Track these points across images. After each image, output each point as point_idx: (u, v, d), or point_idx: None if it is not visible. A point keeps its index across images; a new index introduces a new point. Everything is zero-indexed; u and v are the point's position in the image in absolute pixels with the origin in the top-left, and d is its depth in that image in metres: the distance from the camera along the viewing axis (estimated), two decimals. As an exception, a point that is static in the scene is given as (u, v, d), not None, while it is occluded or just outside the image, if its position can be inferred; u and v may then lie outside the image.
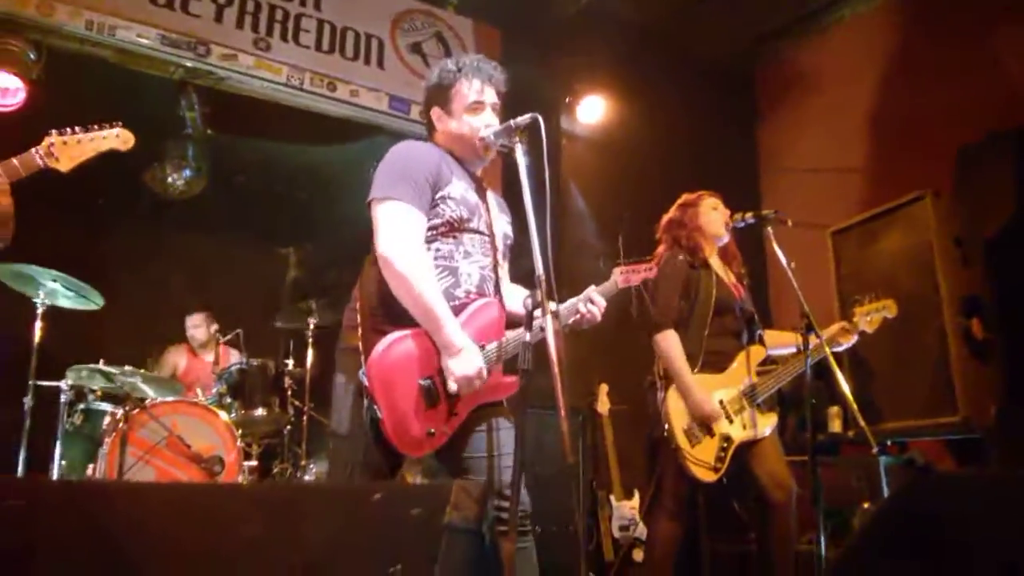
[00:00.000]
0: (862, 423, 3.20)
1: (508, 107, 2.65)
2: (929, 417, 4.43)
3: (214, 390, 4.79)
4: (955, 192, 4.87)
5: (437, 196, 2.37)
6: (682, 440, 3.30)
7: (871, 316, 3.62)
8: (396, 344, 2.25)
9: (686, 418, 3.34)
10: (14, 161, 2.31)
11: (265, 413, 4.74)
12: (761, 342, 3.58)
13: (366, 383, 2.21)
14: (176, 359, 5.62)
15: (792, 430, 4.99)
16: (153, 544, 0.92)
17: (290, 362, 5.05)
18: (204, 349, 5.67)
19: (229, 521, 0.95)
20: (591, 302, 2.53)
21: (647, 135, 6.33)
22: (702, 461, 3.28)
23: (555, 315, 2.17)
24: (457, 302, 2.35)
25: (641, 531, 4.70)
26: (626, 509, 4.86)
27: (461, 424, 2.31)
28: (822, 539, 3.17)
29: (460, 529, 0.88)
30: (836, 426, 4.91)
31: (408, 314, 2.26)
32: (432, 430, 2.23)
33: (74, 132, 2.42)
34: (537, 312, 2.16)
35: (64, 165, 2.40)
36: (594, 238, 6.10)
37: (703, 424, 3.34)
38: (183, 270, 6.43)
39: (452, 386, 2.25)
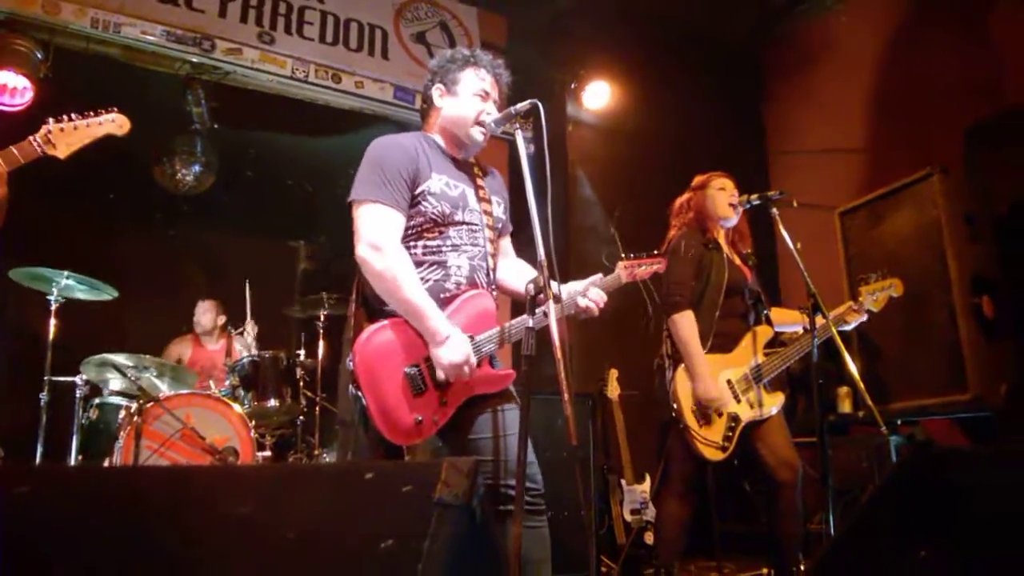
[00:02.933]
0: (869, 403, 3.20)
1: (513, 94, 2.66)
2: (940, 396, 4.42)
3: (227, 382, 4.84)
4: (964, 169, 4.85)
5: (416, 193, 2.38)
6: (690, 420, 3.31)
7: (877, 295, 3.62)
8: (379, 332, 2.26)
9: (695, 398, 3.34)
10: (12, 149, 2.35)
11: (278, 404, 4.78)
12: (768, 322, 3.58)
13: (351, 370, 2.22)
14: (180, 350, 5.66)
15: (802, 411, 5.00)
16: (149, 524, 0.95)
17: (302, 353, 5.09)
18: (209, 337, 5.72)
19: (224, 501, 0.97)
20: (589, 296, 2.50)
21: (653, 119, 6.33)
22: (710, 441, 3.29)
23: (557, 299, 2.18)
24: (447, 294, 2.37)
25: (652, 514, 4.73)
26: (637, 493, 4.89)
27: (459, 411, 2.32)
28: (831, 519, 3.19)
29: (450, 504, 0.90)
30: (846, 406, 4.90)
31: None
32: (419, 418, 2.23)
33: (71, 119, 2.47)
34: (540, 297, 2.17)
35: (62, 152, 2.42)
36: (602, 224, 6.10)
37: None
38: (194, 264, 6.49)
39: (440, 375, 2.26)
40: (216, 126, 5.87)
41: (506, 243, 2.74)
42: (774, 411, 3.41)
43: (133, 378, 4.30)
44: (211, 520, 0.95)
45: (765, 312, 3.60)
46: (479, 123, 2.50)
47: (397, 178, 2.35)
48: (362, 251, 2.28)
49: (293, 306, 5.69)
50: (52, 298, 4.14)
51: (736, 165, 6.28)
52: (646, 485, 4.94)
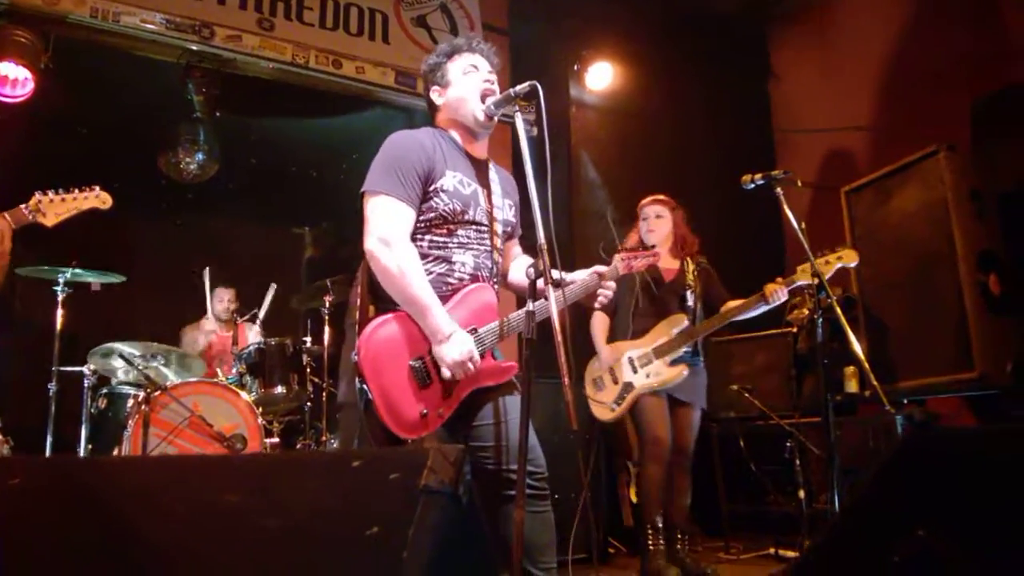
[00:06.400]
0: (875, 382, 3.20)
1: (516, 76, 2.64)
2: (946, 374, 4.40)
3: (234, 370, 4.87)
4: (971, 146, 4.80)
5: (430, 189, 2.37)
6: (589, 388, 4.11)
7: (829, 262, 3.67)
8: (383, 327, 2.25)
9: (596, 373, 4.11)
10: (6, 215, 2.59)
11: (285, 391, 4.80)
12: (683, 310, 4.03)
13: (356, 363, 2.20)
14: (196, 335, 5.65)
15: (808, 390, 4.99)
16: (137, 513, 0.96)
17: (308, 340, 5.11)
18: (223, 325, 5.75)
19: (212, 490, 0.98)
20: (602, 289, 2.57)
21: (658, 99, 6.28)
22: (602, 402, 4.03)
23: (557, 284, 2.18)
24: (450, 289, 2.37)
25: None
26: (644, 475, 4.89)
27: (464, 402, 2.32)
28: (836, 499, 3.20)
29: (435, 491, 0.90)
30: (852, 386, 4.90)
31: None
32: (425, 411, 2.23)
33: (57, 193, 2.74)
34: (540, 281, 2.17)
35: (50, 221, 2.69)
36: (606, 206, 6.08)
37: (610, 373, 4.03)
38: (201, 253, 6.51)
39: (445, 372, 2.25)
40: (218, 114, 5.85)
41: (514, 245, 2.75)
42: (671, 384, 3.92)
43: (140, 367, 4.32)
44: (198, 509, 0.96)
45: (689, 305, 4.04)
46: (480, 99, 2.49)
47: (411, 173, 2.34)
48: (371, 244, 2.28)
49: (299, 293, 5.71)
50: (59, 288, 4.13)
51: (741, 144, 6.26)
52: (653, 467, 4.95)
